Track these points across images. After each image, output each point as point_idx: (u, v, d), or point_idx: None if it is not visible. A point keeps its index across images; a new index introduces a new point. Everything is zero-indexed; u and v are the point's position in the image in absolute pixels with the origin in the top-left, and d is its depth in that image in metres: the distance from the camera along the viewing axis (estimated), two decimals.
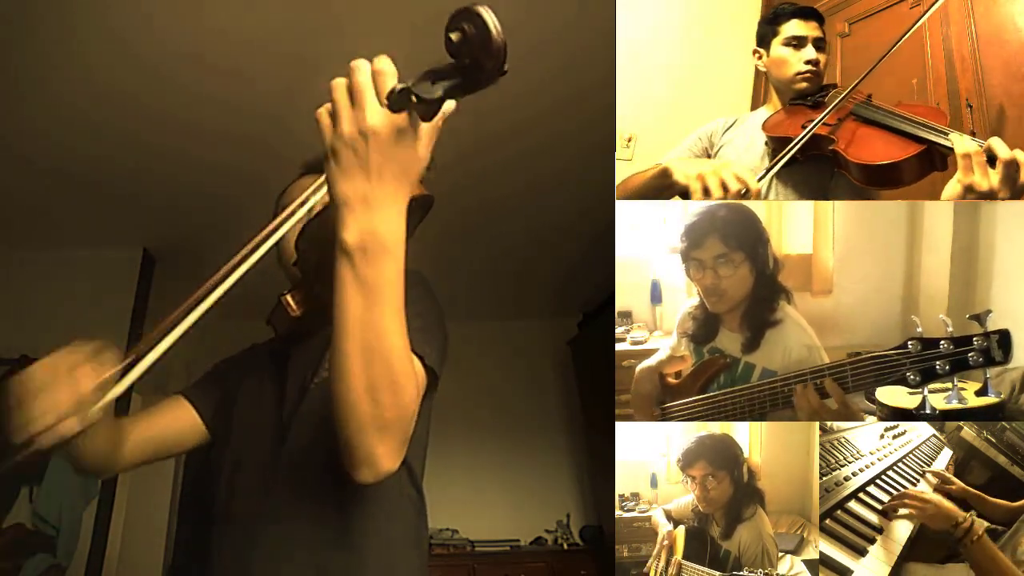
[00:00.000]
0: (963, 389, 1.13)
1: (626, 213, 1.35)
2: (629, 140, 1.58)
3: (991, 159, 1.00)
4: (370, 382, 0.69)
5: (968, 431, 1.23)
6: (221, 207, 3.21)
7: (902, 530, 1.19)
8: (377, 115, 0.62)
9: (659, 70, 1.62)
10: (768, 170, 1.21)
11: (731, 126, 1.42)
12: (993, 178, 0.99)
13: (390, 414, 0.71)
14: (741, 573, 1.21)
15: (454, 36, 0.57)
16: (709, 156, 1.40)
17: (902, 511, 1.18)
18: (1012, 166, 1.00)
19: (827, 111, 1.21)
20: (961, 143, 1.02)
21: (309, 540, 0.95)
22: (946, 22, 1.39)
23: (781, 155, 1.20)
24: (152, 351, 0.71)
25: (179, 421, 1.14)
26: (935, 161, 1.12)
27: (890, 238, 1.37)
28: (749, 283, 1.23)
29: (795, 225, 1.36)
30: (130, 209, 3.30)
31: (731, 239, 1.22)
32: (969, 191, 1.00)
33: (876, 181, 1.15)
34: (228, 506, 1.03)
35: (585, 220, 3.32)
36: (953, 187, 1.03)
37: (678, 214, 1.36)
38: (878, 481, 1.24)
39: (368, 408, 0.70)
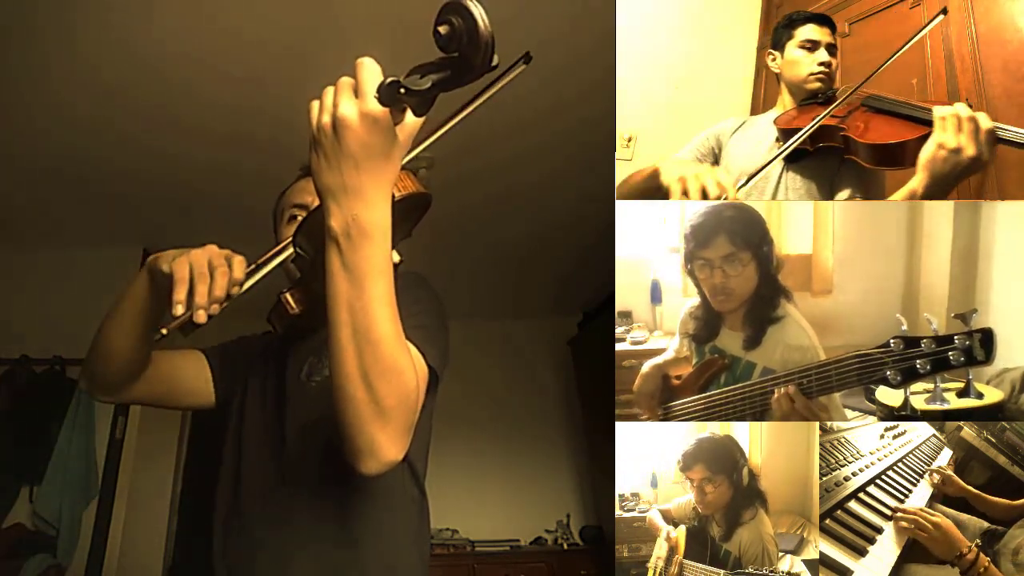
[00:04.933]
0: (947, 390, 1.13)
1: (626, 213, 1.35)
2: (629, 140, 1.58)
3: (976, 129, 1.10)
4: (363, 367, 0.69)
5: (968, 431, 1.23)
6: (221, 206, 3.21)
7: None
8: (350, 106, 0.64)
9: (659, 70, 1.62)
10: (777, 156, 1.27)
11: (739, 127, 1.44)
12: (962, 139, 1.07)
13: (389, 401, 0.71)
14: (744, 571, 1.21)
15: (442, 29, 0.58)
16: (716, 155, 1.42)
17: (905, 525, 1.16)
18: (989, 134, 1.08)
19: (838, 102, 1.27)
20: (939, 109, 1.11)
21: (311, 539, 0.95)
22: (946, 22, 1.39)
23: (791, 141, 1.25)
24: (260, 269, 0.88)
25: (194, 373, 1.16)
26: None
27: (890, 238, 1.37)
28: (754, 282, 1.24)
29: (795, 225, 1.36)
30: (130, 209, 3.30)
31: (738, 238, 1.23)
32: (940, 148, 1.08)
33: (884, 161, 1.20)
34: (229, 506, 1.03)
35: (585, 220, 3.32)
36: (928, 146, 1.10)
37: (678, 214, 1.36)
38: (878, 481, 1.24)
39: (364, 395, 0.70)
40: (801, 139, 1.24)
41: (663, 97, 1.61)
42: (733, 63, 1.51)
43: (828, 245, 1.39)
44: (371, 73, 0.64)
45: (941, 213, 1.32)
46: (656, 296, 1.53)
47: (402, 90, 0.60)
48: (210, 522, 1.05)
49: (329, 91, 0.66)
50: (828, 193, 1.30)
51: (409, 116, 0.67)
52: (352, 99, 0.64)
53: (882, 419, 1.22)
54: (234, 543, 1.00)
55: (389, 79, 0.61)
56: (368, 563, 0.95)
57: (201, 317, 0.75)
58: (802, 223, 1.37)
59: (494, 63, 0.58)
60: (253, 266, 0.88)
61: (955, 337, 1.00)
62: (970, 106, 1.10)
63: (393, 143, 0.67)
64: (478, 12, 0.56)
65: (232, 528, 1.01)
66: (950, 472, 1.22)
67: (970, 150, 1.07)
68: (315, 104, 0.67)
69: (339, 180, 0.66)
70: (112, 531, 3.27)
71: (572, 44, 2.26)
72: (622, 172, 1.39)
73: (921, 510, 1.16)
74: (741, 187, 1.25)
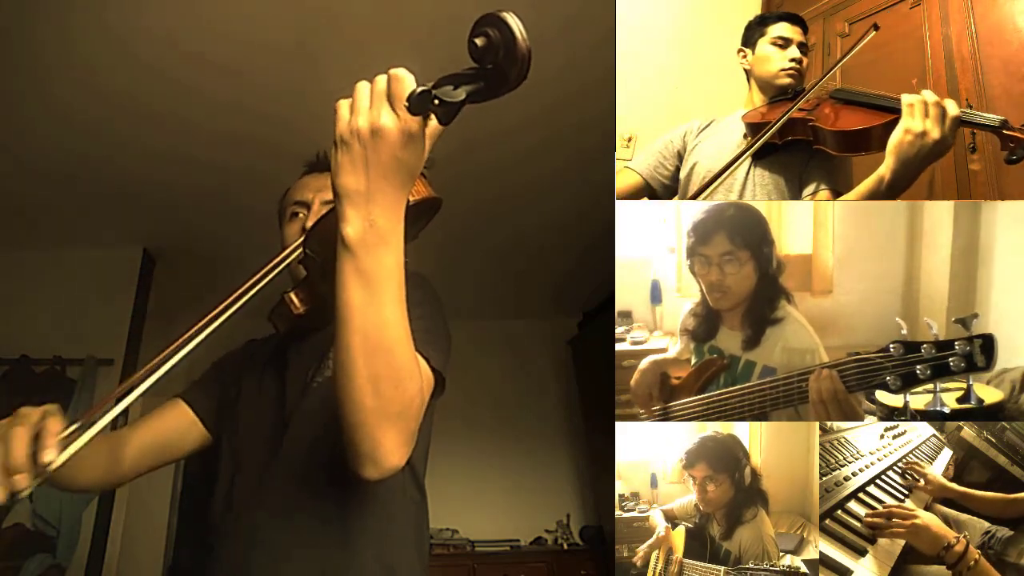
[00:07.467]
0: (945, 391, 1.12)
1: (626, 213, 1.35)
2: (629, 140, 1.58)
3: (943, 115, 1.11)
4: (372, 373, 0.69)
5: (968, 431, 1.23)
6: (221, 206, 3.21)
7: None
8: (389, 117, 0.63)
9: (659, 70, 1.62)
10: (746, 150, 1.27)
11: (707, 126, 1.44)
12: (928, 124, 1.08)
13: (394, 407, 0.71)
14: (744, 566, 1.21)
15: (479, 41, 0.57)
16: (681, 157, 1.42)
17: (887, 529, 1.14)
18: (955, 120, 1.10)
19: (806, 92, 1.28)
20: (907, 96, 1.11)
21: (310, 539, 0.95)
22: (946, 22, 1.39)
23: (763, 132, 1.26)
24: (106, 414, 0.77)
25: (179, 425, 1.14)
26: None
27: (890, 238, 1.37)
28: (752, 282, 1.24)
29: (795, 225, 1.36)
30: (130, 209, 3.30)
31: (738, 237, 1.24)
32: (907, 133, 1.09)
33: (851, 147, 1.21)
34: (229, 505, 1.03)
35: (585, 220, 3.32)
36: (896, 132, 1.11)
37: (678, 214, 1.36)
38: (878, 481, 1.24)
39: (371, 400, 0.70)
40: (772, 132, 1.24)
41: (663, 97, 1.61)
42: (733, 63, 1.51)
43: (828, 245, 1.39)
44: (407, 87, 0.63)
45: (941, 213, 1.32)
46: (656, 296, 1.53)
47: (436, 101, 0.59)
48: (210, 522, 1.05)
49: (362, 93, 0.65)
50: (796, 188, 1.30)
51: (432, 123, 0.66)
52: (391, 110, 0.63)
53: (882, 419, 1.22)
54: (233, 543, 1.00)
55: (421, 88, 0.60)
56: (367, 563, 0.95)
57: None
58: (802, 223, 1.37)
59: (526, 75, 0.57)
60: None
61: (956, 343, 0.99)
62: (970, 106, 1.10)
63: (422, 158, 0.67)
64: (516, 25, 0.55)
65: (231, 528, 1.01)
66: (927, 469, 1.20)
67: (935, 133, 1.08)
68: (343, 104, 0.66)
69: (362, 185, 0.65)
70: (112, 531, 3.27)
71: (572, 44, 2.26)
72: (622, 173, 1.39)
73: (898, 511, 1.15)
74: (711, 182, 1.26)
